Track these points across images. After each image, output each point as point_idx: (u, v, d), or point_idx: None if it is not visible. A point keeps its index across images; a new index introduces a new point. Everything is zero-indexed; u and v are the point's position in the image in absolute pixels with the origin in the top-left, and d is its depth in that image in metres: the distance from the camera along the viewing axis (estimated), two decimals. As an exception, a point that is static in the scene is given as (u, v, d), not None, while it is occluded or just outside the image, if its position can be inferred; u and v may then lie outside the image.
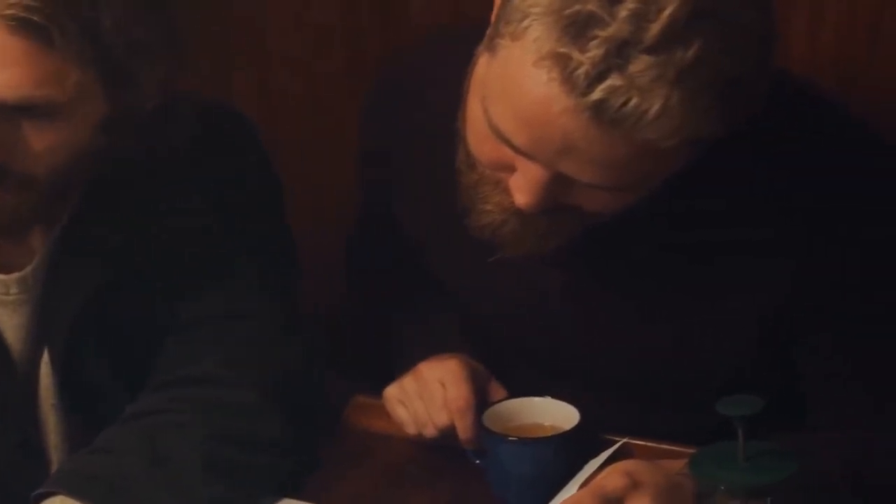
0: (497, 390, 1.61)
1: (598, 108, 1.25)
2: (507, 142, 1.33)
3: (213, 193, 1.56)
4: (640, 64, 1.24)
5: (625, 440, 1.53)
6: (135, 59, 1.39)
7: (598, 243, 1.46)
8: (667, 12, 1.23)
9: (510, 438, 1.50)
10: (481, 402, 1.57)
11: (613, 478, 1.33)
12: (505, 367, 1.64)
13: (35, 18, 1.32)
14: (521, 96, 1.29)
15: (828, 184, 1.43)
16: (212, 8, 2.26)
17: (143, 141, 1.46)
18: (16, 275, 1.51)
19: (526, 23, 1.27)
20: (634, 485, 1.33)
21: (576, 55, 1.24)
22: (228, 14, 2.32)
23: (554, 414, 1.54)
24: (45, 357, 1.53)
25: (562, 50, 1.25)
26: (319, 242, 1.96)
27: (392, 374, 1.65)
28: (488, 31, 1.34)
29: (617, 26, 1.23)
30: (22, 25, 1.32)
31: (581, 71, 1.24)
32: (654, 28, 1.23)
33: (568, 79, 1.25)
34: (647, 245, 1.49)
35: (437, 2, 2.16)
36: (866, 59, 1.92)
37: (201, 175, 1.56)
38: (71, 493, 1.41)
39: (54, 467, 1.51)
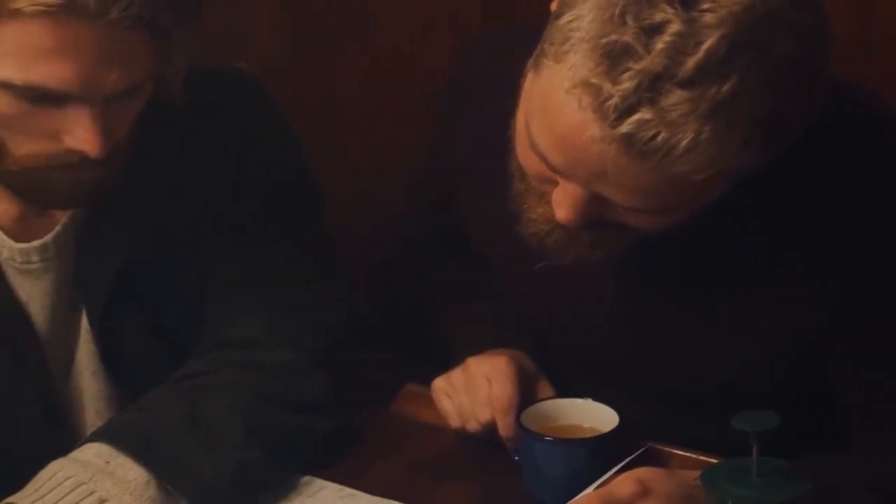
0: (545, 389, 1.61)
1: (627, 141, 1.26)
2: (545, 160, 1.34)
3: (235, 157, 1.59)
4: (673, 97, 1.23)
5: (648, 445, 1.53)
6: (174, 19, 1.42)
7: (650, 253, 1.47)
8: (705, 46, 1.23)
9: (545, 438, 1.51)
10: (528, 400, 1.58)
11: (625, 484, 1.34)
12: (552, 368, 1.64)
13: (146, 13, 1.36)
14: (556, 118, 1.30)
15: (878, 205, 1.42)
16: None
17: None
18: (36, 243, 1.54)
19: (566, 46, 1.28)
20: (645, 492, 1.33)
21: (607, 87, 1.24)
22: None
23: (594, 416, 1.54)
24: (84, 324, 1.57)
25: (594, 80, 1.25)
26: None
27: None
28: (537, 48, 1.35)
29: (651, 59, 1.23)
30: (134, 23, 1.37)
31: (611, 103, 1.24)
32: (690, 62, 1.23)
33: (599, 109, 1.26)
34: (699, 257, 1.49)
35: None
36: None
37: (224, 141, 1.59)
38: (109, 441, 1.45)
39: (85, 433, 1.53)
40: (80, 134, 1.40)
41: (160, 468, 1.44)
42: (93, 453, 1.45)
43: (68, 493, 1.41)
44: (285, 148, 1.65)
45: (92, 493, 1.41)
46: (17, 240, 1.54)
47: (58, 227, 1.54)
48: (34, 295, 1.55)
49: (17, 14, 1.33)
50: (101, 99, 1.40)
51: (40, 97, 1.38)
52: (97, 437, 1.47)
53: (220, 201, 1.59)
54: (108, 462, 1.43)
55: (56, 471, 1.43)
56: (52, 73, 1.36)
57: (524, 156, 1.40)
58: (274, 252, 1.61)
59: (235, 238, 1.60)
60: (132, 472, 1.43)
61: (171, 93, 1.48)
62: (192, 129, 1.57)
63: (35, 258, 1.54)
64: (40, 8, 1.32)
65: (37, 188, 1.45)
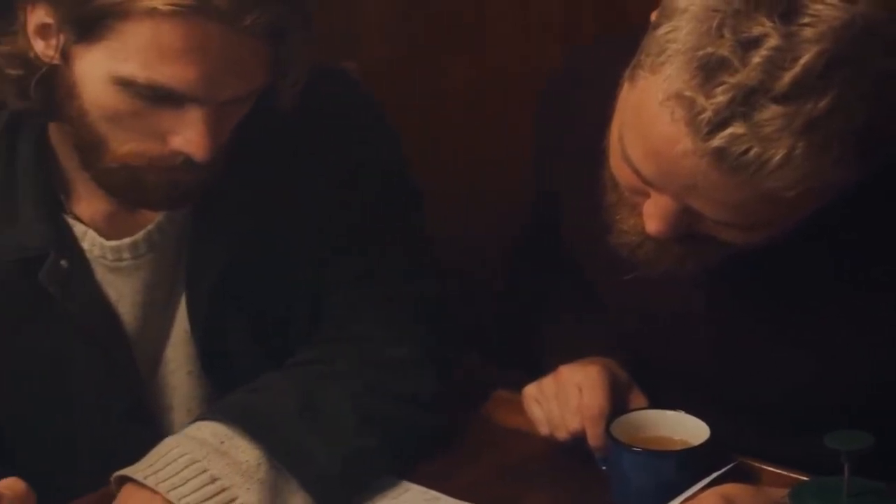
0: (638, 399, 1.60)
1: (719, 155, 1.24)
2: (637, 171, 1.33)
3: (338, 157, 1.60)
4: (767, 113, 1.22)
5: (739, 460, 1.51)
6: (298, 32, 1.44)
7: (741, 265, 1.45)
8: (802, 61, 1.21)
9: (634, 449, 1.50)
10: (619, 409, 1.56)
11: (710, 499, 1.33)
12: (643, 378, 1.63)
13: (276, 22, 1.39)
14: (649, 130, 1.29)
15: None
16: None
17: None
18: (127, 240, 1.55)
19: (662, 58, 1.27)
20: None
21: (700, 100, 1.23)
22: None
23: (685, 428, 1.53)
24: (179, 323, 1.58)
25: (688, 93, 1.24)
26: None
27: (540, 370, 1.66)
28: (634, 59, 1.34)
29: (746, 73, 1.22)
30: (263, 31, 1.39)
31: (704, 116, 1.23)
32: (787, 77, 1.21)
33: (691, 122, 1.25)
34: (791, 270, 1.47)
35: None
36: None
37: (327, 141, 1.59)
38: (226, 421, 1.47)
39: (172, 432, 1.53)
40: (190, 136, 1.41)
41: (275, 451, 1.46)
42: (209, 432, 1.46)
43: (182, 470, 1.43)
44: (386, 147, 1.65)
45: (204, 471, 1.43)
46: (107, 238, 1.55)
47: (150, 226, 1.55)
48: (124, 293, 1.56)
49: (152, 13, 1.34)
50: (216, 103, 1.41)
51: (160, 97, 1.39)
52: (214, 415, 1.49)
53: (324, 201, 1.59)
54: (222, 442, 1.45)
55: (172, 447, 1.45)
56: (176, 73, 1.37)
57: (617, 167, 1.39)
58: (382, 251, 1.62)
59: (344, 237, 1.60)
60: (245, 454, 1.45)
61: (283, 101, 1.49)
62: (295, 131, 1.57)
63: (126, 256, 1.55)
64: (175, 7, 1.33)
65: (134, 187, 1.46)
